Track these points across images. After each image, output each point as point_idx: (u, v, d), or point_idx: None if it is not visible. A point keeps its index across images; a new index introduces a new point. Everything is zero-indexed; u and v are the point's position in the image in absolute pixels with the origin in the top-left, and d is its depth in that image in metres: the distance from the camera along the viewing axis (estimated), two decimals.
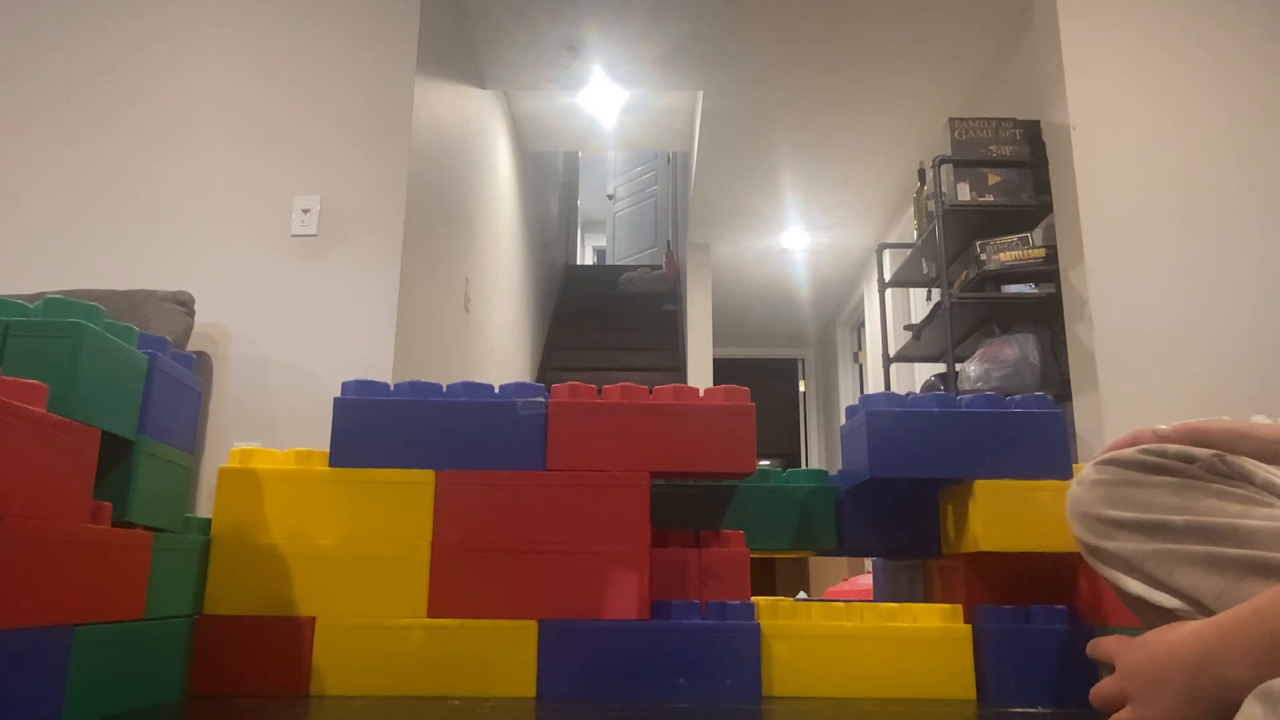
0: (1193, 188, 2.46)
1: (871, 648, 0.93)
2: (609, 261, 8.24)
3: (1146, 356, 2.35)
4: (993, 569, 0.98)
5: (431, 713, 0.81)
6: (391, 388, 0.97)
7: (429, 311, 2.88)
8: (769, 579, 3.26)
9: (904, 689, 0.92)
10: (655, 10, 3.32)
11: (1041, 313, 2.79)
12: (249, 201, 2.58)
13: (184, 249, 2.54)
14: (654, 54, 3.64)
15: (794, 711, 0.84)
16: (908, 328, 3.47)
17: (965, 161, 2.86)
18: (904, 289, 4.39)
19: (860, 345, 6.26)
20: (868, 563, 2.84)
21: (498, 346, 4.09)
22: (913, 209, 3.45)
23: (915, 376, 4.29)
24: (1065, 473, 0.96)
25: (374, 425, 0.96)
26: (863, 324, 5.98)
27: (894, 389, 3.77)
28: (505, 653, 0.90)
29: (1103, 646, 0.70)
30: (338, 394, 0.97)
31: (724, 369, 5.57)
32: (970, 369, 2.82)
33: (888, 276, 3.77)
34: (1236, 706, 0.54)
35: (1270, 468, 0.69)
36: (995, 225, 2.87)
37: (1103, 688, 0.67)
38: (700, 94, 4.02)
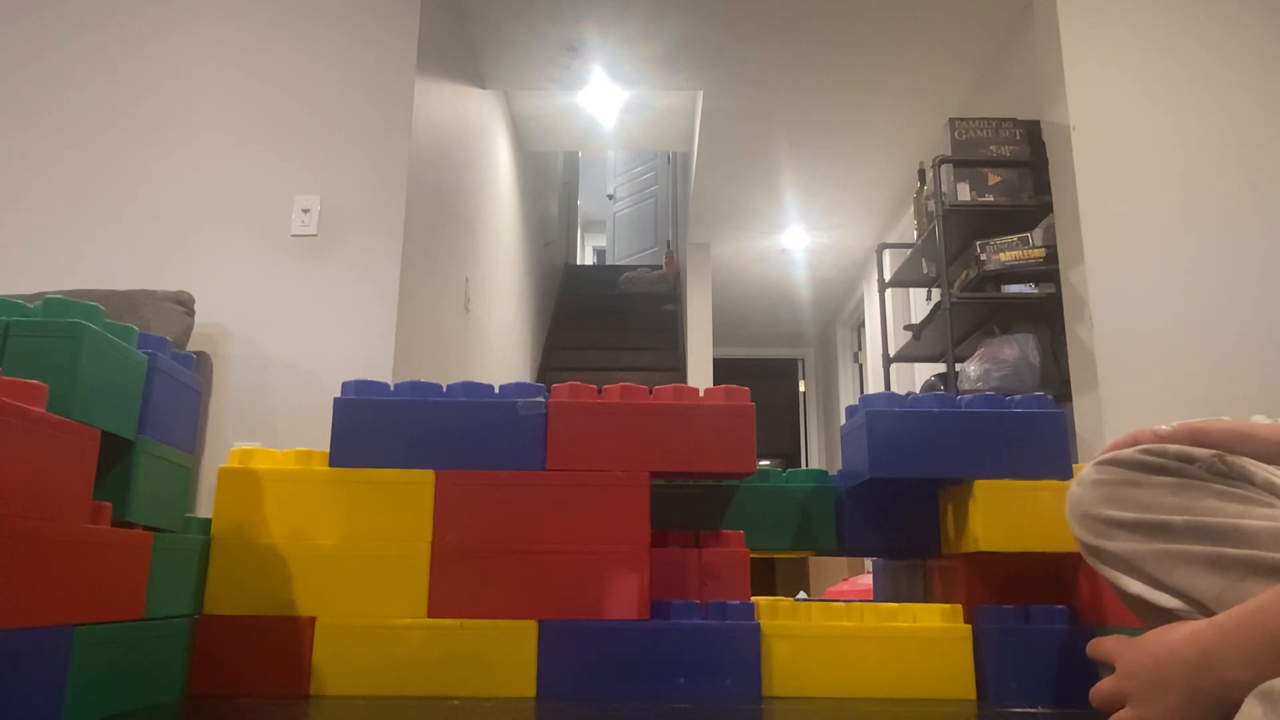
0: (1193, 188, 2.46)
1: (871, 648, 0.93)
2: (609, 261, 8.24)
3: (1146, 356, 2.35)
4: (993, 569, 0.98)
5: (431, 713, 0.81)
6: (391, 388, 0.97)
7: (429, 311, 2.88)
8: (769, 579, 3.25)
9: (904, 689, 0.92)
10: (655, 10, 3.32)
11: (1041, 313, 2.79)
12: (249, 201, 2.58)
13: (184, 249, 2.54)
14: (654, 54, 3.64)
15: (794, 711, 0.84)
16: (908, 328, 3.47)
17: (965, 161, 2.86)
18: (904, 289, 4.39)
19: (860, 345, 6.26)
20: (868, 563, 2.84)
21: (498, 346, 4.09)
22: (913, 209, 3.45)
23: (915, 376, 4.29)
24: (1065, 473, 0.96)
25: (374, 425, 0.96)
26: (863, 324, 5.98)
27: (894, 389, 3.77)
28: (505, 653, 0.90)
29: (1103, 646, 0.70)
30: (338, 394, 0.97)
31: (724, 369, 5.57)
32: (970, 369, 2.82)
33: (888, 276, 3.77)
34: (1236, 706, 0.54)
35: (1270, 468, 0.69)
36: (995, 225, 2.87)
37: (1103, 688, 0.67)
38: (700, 94, 4.02)
